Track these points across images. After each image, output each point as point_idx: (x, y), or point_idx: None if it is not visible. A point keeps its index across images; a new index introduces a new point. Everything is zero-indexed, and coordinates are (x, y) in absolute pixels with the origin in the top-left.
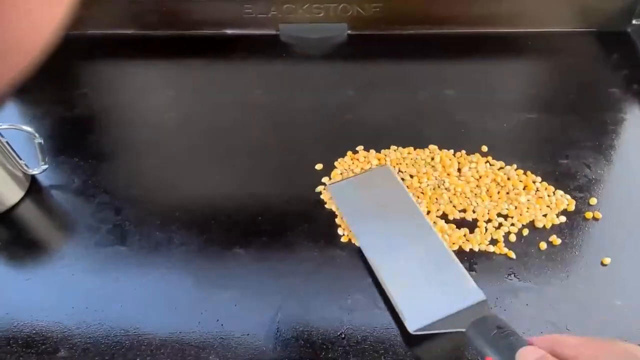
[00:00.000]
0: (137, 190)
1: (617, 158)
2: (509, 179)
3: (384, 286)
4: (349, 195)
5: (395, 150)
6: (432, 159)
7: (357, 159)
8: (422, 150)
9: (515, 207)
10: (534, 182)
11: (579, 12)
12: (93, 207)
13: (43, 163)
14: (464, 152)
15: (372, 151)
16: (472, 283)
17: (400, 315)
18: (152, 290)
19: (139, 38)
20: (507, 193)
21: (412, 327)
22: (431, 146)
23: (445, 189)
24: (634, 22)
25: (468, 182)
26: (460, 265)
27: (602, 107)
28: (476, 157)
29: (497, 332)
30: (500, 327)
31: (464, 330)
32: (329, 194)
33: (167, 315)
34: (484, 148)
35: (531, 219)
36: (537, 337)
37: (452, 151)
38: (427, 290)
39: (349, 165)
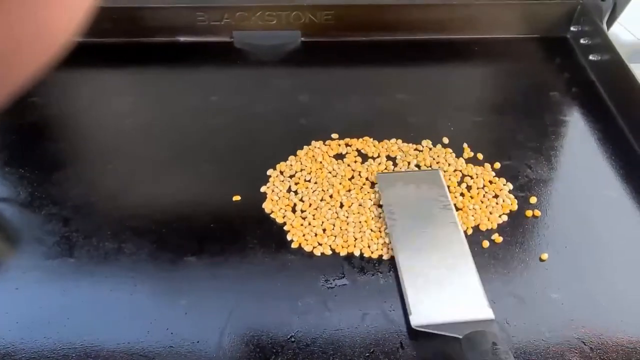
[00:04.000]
0: (87, 200)
1: (556, 158)
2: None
3: (399, 274)
4: (393, 186)
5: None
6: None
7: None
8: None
9: (459, 212)
10: (478, 187)
11: (522, 19)
12: (40, 219)
13: None
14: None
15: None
16: (485, 300)
17: (407, 307)
18: (100, 302)
19: (90, 45)
20: (455, 196)
21: (415, 322)
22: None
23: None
24: (572, 28)
25: None
26: (480, 282)
27: (544, 110)
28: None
29: (491, 347)
30: (496, 343)
31: (460, 337)
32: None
33: (115, 326)
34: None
35: (477, 224)
36: None
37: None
38: (439, 292)
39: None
